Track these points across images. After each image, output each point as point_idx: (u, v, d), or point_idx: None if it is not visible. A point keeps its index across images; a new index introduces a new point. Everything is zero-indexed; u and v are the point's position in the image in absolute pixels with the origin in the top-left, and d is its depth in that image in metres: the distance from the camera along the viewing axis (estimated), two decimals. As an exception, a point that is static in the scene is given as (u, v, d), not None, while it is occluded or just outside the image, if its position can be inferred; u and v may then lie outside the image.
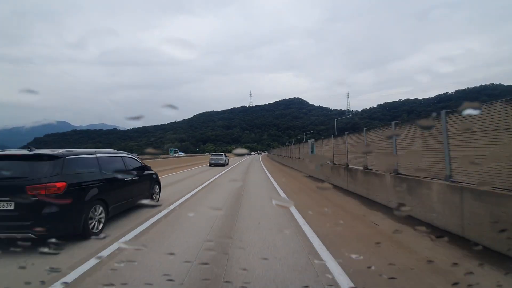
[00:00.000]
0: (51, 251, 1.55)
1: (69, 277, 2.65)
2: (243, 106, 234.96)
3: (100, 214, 3.99)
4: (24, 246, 1.36)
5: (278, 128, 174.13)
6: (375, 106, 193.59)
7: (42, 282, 2.35)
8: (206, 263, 2.92)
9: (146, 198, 5.41)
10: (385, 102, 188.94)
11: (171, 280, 2.39)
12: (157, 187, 6.33)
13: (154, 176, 6.18)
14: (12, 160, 3.48)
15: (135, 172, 5.26)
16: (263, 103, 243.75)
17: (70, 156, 3.71)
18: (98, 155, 4.34)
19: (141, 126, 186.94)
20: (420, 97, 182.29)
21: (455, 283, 1.35)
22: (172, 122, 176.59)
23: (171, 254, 3.12)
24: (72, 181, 3.54)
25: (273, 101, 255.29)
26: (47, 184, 3.26)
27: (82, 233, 3.58)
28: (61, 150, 3.73)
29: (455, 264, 2.78)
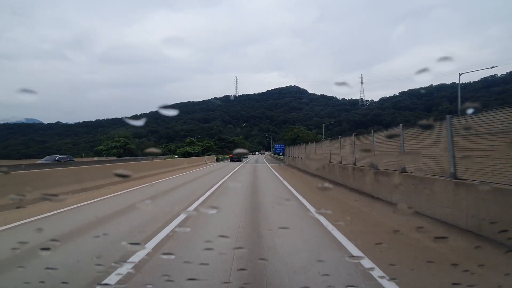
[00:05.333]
0: (50, 251, 2.05)
1: (69, 277, 3.31)
2: (227, 96, 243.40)
3: (240, 158, 46.41)
4: (23, 247, 1.80)
5: (272, 121, 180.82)
6: (397, 93, 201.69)
7: (42, 282, 2.92)
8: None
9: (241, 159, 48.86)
10: (410, 89, 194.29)
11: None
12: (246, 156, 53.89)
13: (245, 154, 50.18)
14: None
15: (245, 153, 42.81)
16: (252, 93, 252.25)
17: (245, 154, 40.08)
18: (237, 152, 37.82)
19: (94, 120, 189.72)
20: (457, 81, 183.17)
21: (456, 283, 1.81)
22: (136, 115, 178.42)
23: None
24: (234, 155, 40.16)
25: (264, 91, 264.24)
26: (232, 155, 47.80)
27: (241, 161, 45.26)
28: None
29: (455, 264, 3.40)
